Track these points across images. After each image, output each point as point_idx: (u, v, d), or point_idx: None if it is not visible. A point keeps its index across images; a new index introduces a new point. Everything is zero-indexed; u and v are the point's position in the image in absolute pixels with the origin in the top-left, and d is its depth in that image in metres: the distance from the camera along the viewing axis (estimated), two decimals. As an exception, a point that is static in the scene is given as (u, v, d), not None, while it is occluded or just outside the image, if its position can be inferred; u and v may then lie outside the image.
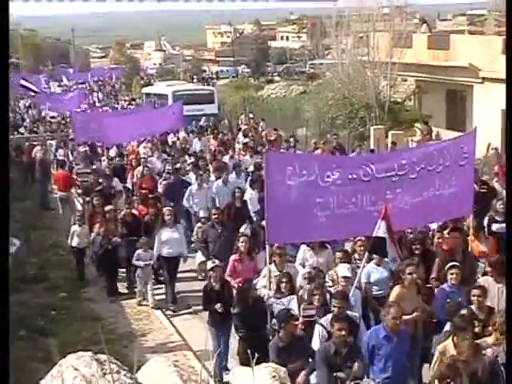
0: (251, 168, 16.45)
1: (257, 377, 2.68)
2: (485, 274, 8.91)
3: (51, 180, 21.60)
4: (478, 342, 6.70)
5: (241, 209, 12.95)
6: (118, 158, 19.66)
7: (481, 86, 23.06)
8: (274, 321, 8.03)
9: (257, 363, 2.96)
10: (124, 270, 12.90)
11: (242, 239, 10.12)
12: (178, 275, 12.32)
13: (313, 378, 7.45)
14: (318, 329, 7.72)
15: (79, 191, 17.28)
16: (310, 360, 7.41)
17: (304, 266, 9.76)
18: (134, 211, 13.34)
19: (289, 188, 8.31)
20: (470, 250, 9.75)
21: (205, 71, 74.82)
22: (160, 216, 12.25)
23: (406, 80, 26.97)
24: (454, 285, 8.37)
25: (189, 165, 16.91)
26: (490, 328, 6.98)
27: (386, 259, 8.97)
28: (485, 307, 7.70)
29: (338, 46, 27.98)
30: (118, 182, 16.30)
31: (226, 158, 17.93)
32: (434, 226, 11.14)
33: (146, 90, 40.11)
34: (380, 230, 8.27)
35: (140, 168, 16.89)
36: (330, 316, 7.66)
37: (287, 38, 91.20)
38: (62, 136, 26.11)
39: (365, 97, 25.09)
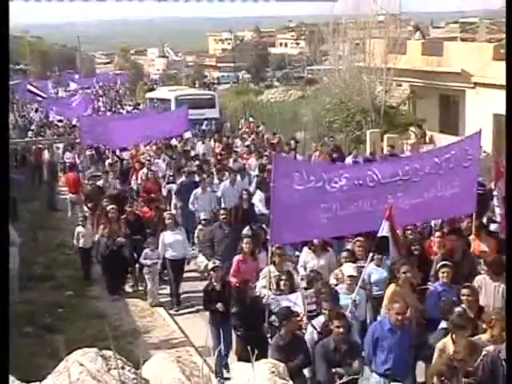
0: (256, 171, 16.25)
1: (256, 372, 2.67)
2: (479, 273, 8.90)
3: (58, 182, 21.63)
4: (473, 339, 6.67)
5: (248, 210, 12.93)
6: (124, 161, 19.57)
7: (473, 91, 23.10)
8: (274, 317, 8.00)
9: (255, 361, 2.96)
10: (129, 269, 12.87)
11: (245, 240, 10.09)
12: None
13: (307, 373, 7.45)
14: (309, 330, 7.70)
15: (87, 193, 17.03)
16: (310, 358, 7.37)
17: (306, 269, 9.74)
18: (138, 212, 13.32)
19: (295, 192, 8.27)
20: (471, 249, 9.64)
21: (206, 77, 74.84)
22: (161, 219, 12.24)
23: (400, 85, 27.00)
24: (445, 283, 8.36)
25: (194, 168, 16.84)
26: (484, 326, 6.94)
27: (387, 260, 8.95)
28: (475, 306, 7.68)
29: (335, 52, 28.00)
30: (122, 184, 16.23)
31: (230, 162, 17.80)
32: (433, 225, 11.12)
33: (149, 94, 40.14)
34: (384, 231, 8.29)
35: (145, 170, 16.83)
36: (322, 318, 7.65)
37: (286, 44, 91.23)
38: (70, 139, 26.08)
39: (361, 101, 25.11)
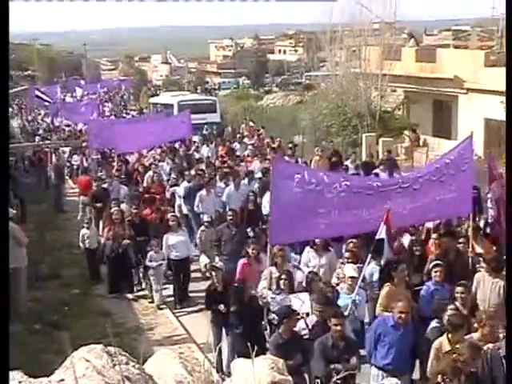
0: (259, 174, 16.10)
1: (256, 368, 2.68)
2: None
3: (65, 184, 21.63)
4: (473, 340, 6.62)
5: (254, 211, 12.91)
6: (130, 165, 19.50)
7: (465, 96, 23.14)
8: (273, 315, 7.97)
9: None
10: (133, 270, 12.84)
11: (252, 246, 9.95)
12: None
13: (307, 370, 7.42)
14: (300, 324, 7.64)
15: (94, 193, 16.79)
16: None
17: (308, 267, 9.71)
18: (141, 214, 13.27)
19: (294, 193, 8.23)
20: (467, 250, 9.56)
21: (208, 82, 74.77)
22: (164, 220, 12.21)
23: (395, 91, 27.05)
24: (437, 282, 8.36)
25: (199, 171, 16.74)
26: (476, 325, 6.92)
27: None
28: (469, 304, 7.66)
29: (332, 59, 28.05)
30: (125, 188, 16.12)
31: (235, 165, 17.67)
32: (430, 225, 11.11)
33: (152, 100, 40.11)
34: (381, 234, 8.35)
35: (150, 173, 16.74)
36: (314, 318, 7.63)
37: (285, 51, 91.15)
38: (77, 143, 26.09)
39: (357, 106, 25.15)
